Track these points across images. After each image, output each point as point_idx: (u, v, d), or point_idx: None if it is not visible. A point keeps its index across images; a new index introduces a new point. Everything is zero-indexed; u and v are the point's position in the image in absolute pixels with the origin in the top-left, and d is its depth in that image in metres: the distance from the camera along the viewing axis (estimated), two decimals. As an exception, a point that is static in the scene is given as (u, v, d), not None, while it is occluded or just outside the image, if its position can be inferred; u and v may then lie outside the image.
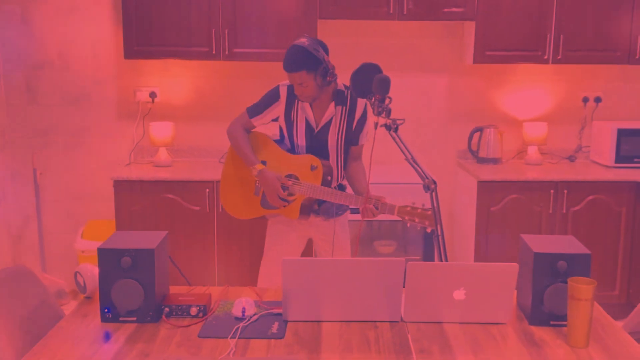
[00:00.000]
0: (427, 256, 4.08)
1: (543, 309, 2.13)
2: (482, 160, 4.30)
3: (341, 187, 3.04)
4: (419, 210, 2.74)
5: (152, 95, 4.35)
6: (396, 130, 2.65)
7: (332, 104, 2.88)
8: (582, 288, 1.96)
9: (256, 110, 2.94)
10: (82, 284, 2.31)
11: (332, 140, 2.93)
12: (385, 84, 2.65)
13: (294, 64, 2.74)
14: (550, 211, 3.95)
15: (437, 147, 4.48)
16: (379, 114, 2.65)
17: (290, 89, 2.86)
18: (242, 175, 2.99)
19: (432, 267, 2.13)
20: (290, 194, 2.89)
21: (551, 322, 2.13)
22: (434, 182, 2.54)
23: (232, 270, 4.01)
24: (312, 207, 2.96)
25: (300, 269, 2.12)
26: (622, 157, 4.13)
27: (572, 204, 3.95)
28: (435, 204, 2.51)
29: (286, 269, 2.10)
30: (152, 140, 4.20)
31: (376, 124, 2.67)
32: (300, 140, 2.91)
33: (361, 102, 2.94)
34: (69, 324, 2.14)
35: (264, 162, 2.94)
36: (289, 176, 2.91)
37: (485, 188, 3.95)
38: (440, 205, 4.62)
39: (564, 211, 3.95)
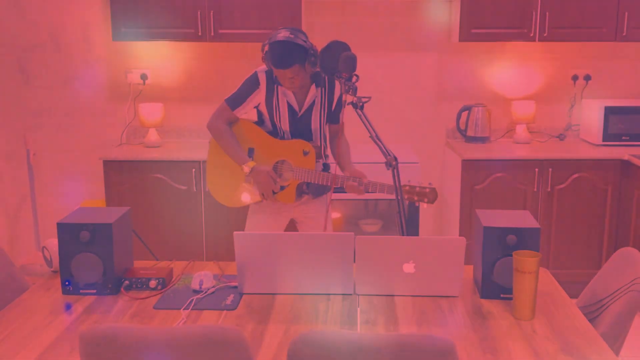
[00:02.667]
0: (412, 234, 4.10)
1: (493, 283, 2.16)
2: (471, 139, 4.30)
3: (326, 167, 3.06)
4: (417, 189, 2.72)
5: (143, 76, 4.40)
6: (362, 108, 2.67)
7: (313, 86, 2.87)
8: (525, 261, 1.98)
9: (237, 101, 2.88)
10: (49, 258, 2.39)
11: (316, 122, 2.92)
12: (352, 61, 2.67)
13: (287, 60, 2.68)
14: (535, 189, 3.95)
15: (426, 126, 4.48)
16: (346, 92, 2.67)
17: (269, 74, 2.82)
18: (231, 164, 2.95)
19: (381, 240, 2.16)
20: (284, 180, 2.90)
21: (501, 295, 2.16)
22: (396, 159, 2.57)
23: (220, 246, 4.08)
24: (302, 188, 2.95)
25: (253, 243, 2.17)
26: (610, 135, 4.11)
27: (557, 182, 3.95)
28: (396, 180, 2.54)
29: (239, 243, 2.15)
30: (142, 121, 4.27)
31: (344, 102, 2.70)
32: (284, 124, 2.89)
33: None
34: (32, 295, 2.22)
35: (251, 150, 2.91)
36: (281, 162, 2.90)
37: (470, 166, 3.96)
38: (430, 184, 4.66)
39: (549, 189, 3.95)
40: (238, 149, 2.91)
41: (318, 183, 2.88)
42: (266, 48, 2.75)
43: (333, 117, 2.99)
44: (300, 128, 2.91)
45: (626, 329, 2.03)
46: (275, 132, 2.94)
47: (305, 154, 2.89)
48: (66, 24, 4.36)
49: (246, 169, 2.86)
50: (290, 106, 2.88)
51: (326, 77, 2.92)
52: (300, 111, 2.89)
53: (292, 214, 3.09)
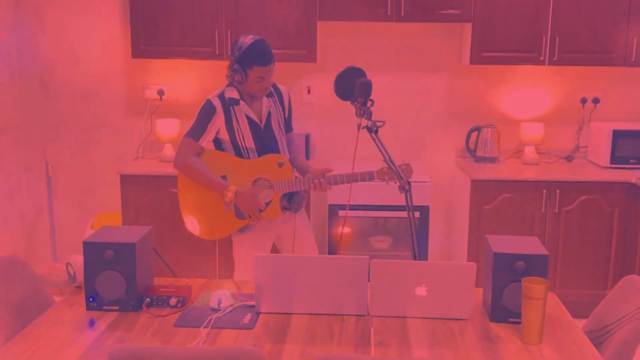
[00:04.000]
0: (422, 252, 4.18)
1: (502, 307, 2.23)
2: (480, 159, 4.38)
3: None
4: (385, 169, 2.89)
5: (160, 92, 4.50)
6: (376, 132, 2.76)
7: (264, 97, 2.98)
8: (534, 287, 2.06)
9: (199, 131, 2.92)
10: (73, 274, 2.48)
11: (277, 132, 3.01)
12: (367, 87, 2.76)
13: (272, 55, 2.90)
14: (543, 210, 4.02)
15: (437, 146, 4.56)
16: (361, 116, 2.77)
17: (222, 98, 2.91)
18: (205, 196, 2.96)
19: (394, 264, 2.24)
20: (266, 197, 2.94)
21: (510, 320, 2.23)
22: (409, 183, 2.65)
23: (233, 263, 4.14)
24: (282, 204, 3.01)
25: (271, 265, 2.25)
26: (618, 158, 4.17)
27: (565, 203, 4.02)
28: (409, 204, 2.62)
29: (258, 265, 2.23)
30: (158, 136, 4.37)
31: (359, 126, 2.79)
32: (248, 142, 2.94)
33: (284, 90, 3.07)
34: (57, 311, 2.30)
35: (224, 177, 2.94)
36: (256, 181, 2.95)
37: (479, 187, 4.03)
38: (439, 203, 4.73)
39: (556, 211, 4.02)
40: (214, 178, 2.92)
41: (301, 189, 2.96)
42: (236, 63, 2.86)
43: (287, 125, 3.12)
44: (265, 142, 2.97)
45: (631, 356, 2.10)
46: (240, 155, 2.98)
47: (280, 165, 2.97)
48: (87, 40, 4.48)
49: (230, 194, 2.87)
50: (251, 121, 2.95)
51: (271, 87, 3.04)
52: (261, 123, 2.97)
53: (275, 233, 3.12)
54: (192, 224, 3.03)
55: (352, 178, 2.90)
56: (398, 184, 2.73)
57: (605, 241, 4.05)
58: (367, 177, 2.93)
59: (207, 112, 2.92)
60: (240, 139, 2.94)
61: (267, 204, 2.95)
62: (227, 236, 3.07)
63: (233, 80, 2.93)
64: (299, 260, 2.28)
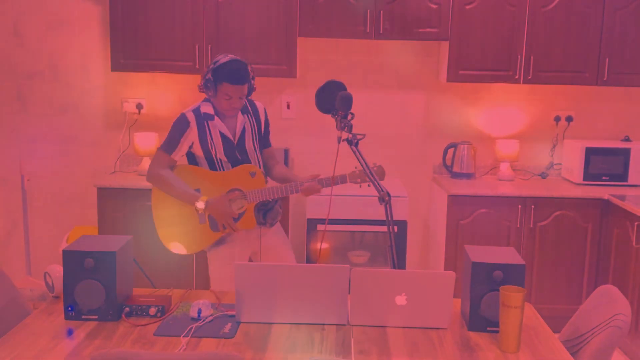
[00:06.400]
0: (400, 266, 4.20)
1: (480, 316, 2.26)
2: (456, 175, 4.44)
3: None
4: (357, 172, 2.95)
5: (139, 106, 4.50)
6: (356, 144, 2.79)
7: (239, 114, 3.00)
8: (512, 296, 2.09)
9: (171, 145, 2.94)
10: (51, 284, 2.45)
11: (250, 147, 3.03)
12: (348, 101, 2.79)
13: (243, 76, 2.88)
14: (518, 225, 4.08)
15: (414, 162, 4.62)
16: (341, 129, 2.80)
17: (197, 113, 2.92)
18: (179, 211, 2.97)
19: (375, 273, 2.26)
20: (240, 207, 2.96)
21: (488, 328, 2.26)
22: (389, 195, 2.67)
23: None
24: (258, 219, 3.02)
25: (252, 274, 2.26)
26: (590, 175, 4.26)
27: (539, 219, 4.08)
28: (389, 215, 2.65)
29: (238, 274, 2.24)
30: (136, 150, 4.35)
31: (339, 139, 2.82)
32: (220, 155, 2.96)
33: (260, 107, 3.10)
34: (34, 320, 2.28)
35: (198, 191, 2.95)
36: (232, 191, 2.97)
37: (455, 202, 4.08)
38: (417, 218, 4.76)
39: (531, 226, 4.08)
40: (186, 189, 2.93)
41: (275, 197, 2.97)
42: (209, 75, 2.87)
43: (264, 141, 3.13)
44: (238, 157, 2.99)
45: (606, 363, 2.14)
46: (214, 169, 2.99)
47: (253, 175, 2.99)
48: (65, 53, 4.46)
49: (200, 204, 2.88)
50: (224, 137, 2.96)
51: (248, 105, 3.06)
52: (235, 139, 2.99)
53: (251, 248, 3.11)
54: (168, 240, 3.04)
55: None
56: (368, 184, 2.76)
57: (579, 256, 4.12)
58: (340, 180, 2.97)
59: (180, 126, 2.93)
60: (213, 152, 2.95)
61: (241, 214, 2.96)
62: (203, 249, 3.06)
63: (206, 93, 2.94)
64: (280, 269, 2.28)
